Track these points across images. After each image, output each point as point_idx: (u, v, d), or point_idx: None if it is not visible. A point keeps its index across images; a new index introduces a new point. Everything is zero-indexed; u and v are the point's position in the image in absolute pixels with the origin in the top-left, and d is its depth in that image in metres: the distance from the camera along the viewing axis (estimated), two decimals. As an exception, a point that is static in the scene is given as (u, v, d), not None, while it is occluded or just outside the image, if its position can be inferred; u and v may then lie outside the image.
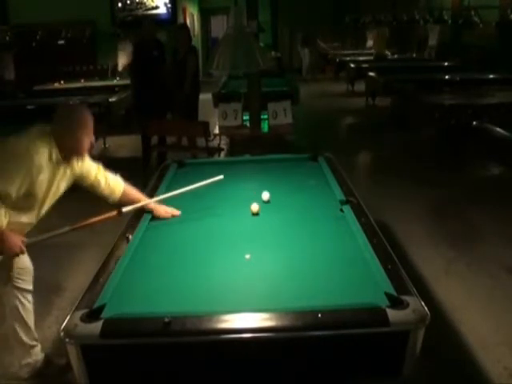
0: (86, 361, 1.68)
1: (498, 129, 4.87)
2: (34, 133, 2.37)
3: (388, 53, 13.83)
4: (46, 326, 3.12)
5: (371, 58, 13.55)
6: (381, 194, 5.16)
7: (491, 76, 8.68)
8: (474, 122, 5.33)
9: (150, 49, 5.98)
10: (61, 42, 12.00)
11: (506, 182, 5.53)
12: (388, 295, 1.83)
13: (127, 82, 7.50)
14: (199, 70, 6.11)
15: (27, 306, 2.51)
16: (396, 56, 13.78)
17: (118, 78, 9.03)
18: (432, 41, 12.70)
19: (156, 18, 11.27)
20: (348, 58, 13.35)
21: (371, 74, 9.82)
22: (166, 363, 1.72)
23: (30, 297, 2.53)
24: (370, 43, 14.85)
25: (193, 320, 1.71)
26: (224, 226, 2.63)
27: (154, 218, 2.70)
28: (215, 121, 5.68)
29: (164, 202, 2.94)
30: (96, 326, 1.67)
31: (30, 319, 2.55)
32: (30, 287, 2.53)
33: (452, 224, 4.60)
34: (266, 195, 2.93)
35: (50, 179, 2.39)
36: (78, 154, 2.45)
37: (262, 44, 9.39)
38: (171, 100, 6.15)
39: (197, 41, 13.80)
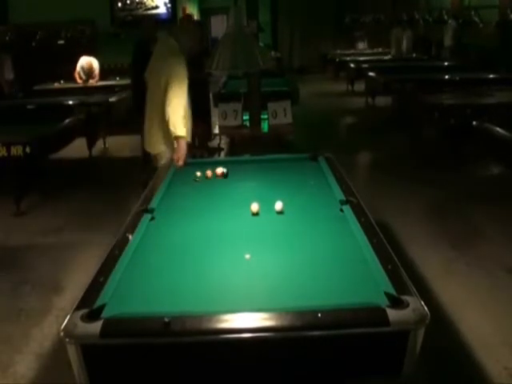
0: (85, 361, 1.68)
1: (498, 129, 4.87)
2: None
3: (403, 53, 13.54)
4: (46, 326, 3.13)
5: (372, 58, 13.44)
6: (381, 194, 5.17)
7: (491, 76, 8.66)
8: (474, 122, 5.33)
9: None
10: (61, 42, 12.00)
11: (505, 182, 5.53)
12: (388, 295, 1.83)
13: (127, 81, 7.51)
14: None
15: None
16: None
17: (117, 78, 9.03)
18: (448, 41, 12.55)
19: (156, 18, 11.27)
20: (348, 58, 13.33)
21: (371, 73, 9.81)
22: (166, 363, 1.72)
23: None
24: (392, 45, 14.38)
25: (192, 320, 1.71)
26: (224, 225, 2.63)
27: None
28: (215, 121, 5.68)
29: (161, 203, 2.94)
30: (96, 326, 1.67)
31: None
32: None
33: (452, 224, 4.60)
34: (278, 205, 2.72)
35: None
36: None
37: (261, 44, 9.39)
38: None
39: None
